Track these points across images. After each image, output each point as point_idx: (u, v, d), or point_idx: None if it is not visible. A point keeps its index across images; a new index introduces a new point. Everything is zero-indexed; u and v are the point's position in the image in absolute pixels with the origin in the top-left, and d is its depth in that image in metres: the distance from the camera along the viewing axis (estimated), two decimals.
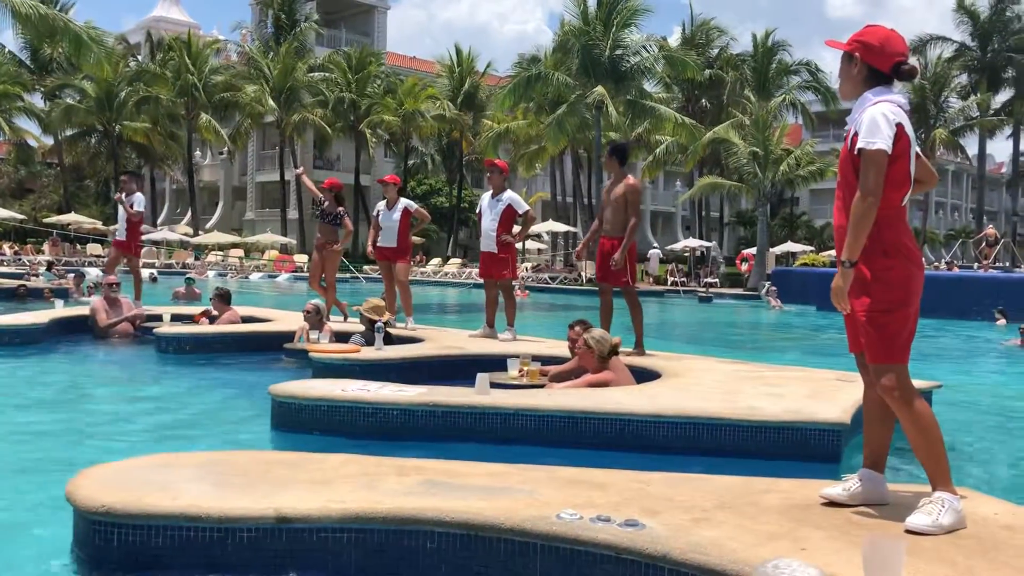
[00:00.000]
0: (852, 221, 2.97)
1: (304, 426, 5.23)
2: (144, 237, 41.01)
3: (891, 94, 3.06)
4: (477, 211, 9.01)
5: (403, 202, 9.73)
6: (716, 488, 3.35)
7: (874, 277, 3.02)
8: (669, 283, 35.23)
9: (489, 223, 8.64)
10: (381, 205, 9.82)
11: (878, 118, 2.97)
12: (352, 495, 3.09)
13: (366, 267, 35.50)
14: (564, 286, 32.65)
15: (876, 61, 3.10)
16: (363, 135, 45.20)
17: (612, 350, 6.00)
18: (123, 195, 11.35)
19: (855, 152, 3.01)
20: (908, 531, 2.86)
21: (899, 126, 2.98)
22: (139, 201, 11.37)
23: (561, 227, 40.68)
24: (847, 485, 3.19)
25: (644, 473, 3.56)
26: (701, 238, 43.86)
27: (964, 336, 15.08)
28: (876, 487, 3.18)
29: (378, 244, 9.77)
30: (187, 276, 15.36)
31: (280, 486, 3.18)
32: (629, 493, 3.22)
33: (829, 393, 5.68)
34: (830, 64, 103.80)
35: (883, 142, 2.94)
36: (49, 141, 45.83)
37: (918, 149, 3.11)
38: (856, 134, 3.03)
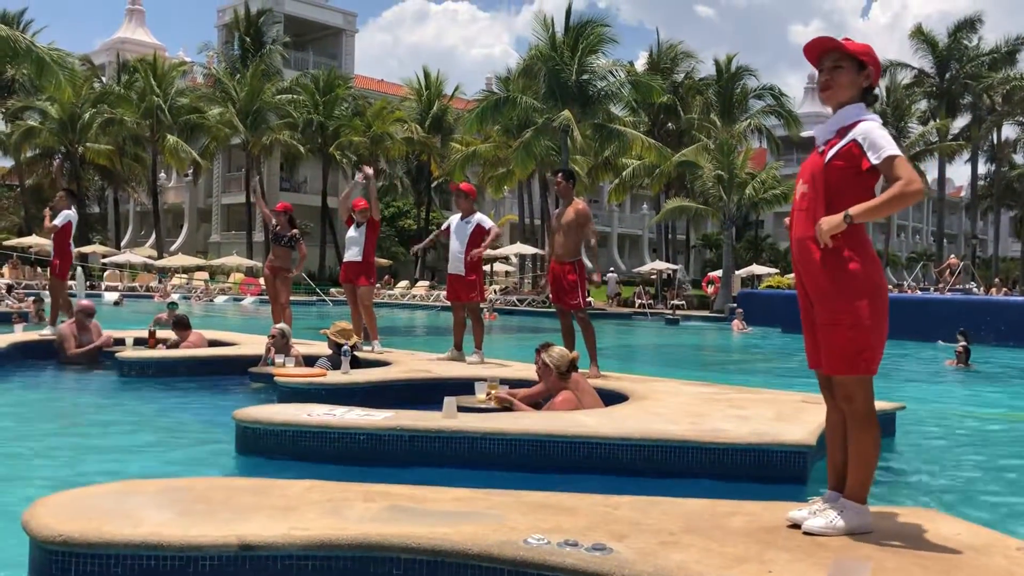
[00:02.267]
0: (888, 196, 2.99)
1: (269, 451, 5.16)
2: (107, 260, 40.41)
3: (869, 112, 3.16)
4: (443, 227, 8.96)
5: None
6: (683, 511, 3.35)
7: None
8: (636, 305, 35.40)
9: (457, 246, 8.65)
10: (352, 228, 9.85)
11: (883, 132, 3.08)
12: (317, 522, 3.05)
13: (333, 290, 35.31)
14: (532, 308, 32.68)
15: (875, 78, 3.23)
16: (331, 157, 45.09)
17: (570, 365, 6.06)
18: (51, 212, 10.60)
19: (864, 167, 3.06)
20: (806, 532, 3.06)
21: None
22: (62, 216, 10.51)
23: (529, 249, 40.77)
24: (813, 508, 3.21)
25: (611, 497, 3.55)
26: (668, 261, 44.19)
27: (917, 358, 15.28)
28: None
29: (344, 259, 9.78)
30: (169, 302, 15.16)
31: (243, 513, 3.13)
32: (597, 517, 3.22)
33: (794, 415, 5.72)
34: (795, 89, 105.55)
35: (896, 147, 3.06)
36: (8, 163, 45.20)
37: None
38: (849, 146, 3.09)
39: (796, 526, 3.16)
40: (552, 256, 7.94)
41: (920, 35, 45.59)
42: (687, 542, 2.93)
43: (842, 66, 3.17)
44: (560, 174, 7.98)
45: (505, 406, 6.07)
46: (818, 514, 3.13)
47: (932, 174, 49.03)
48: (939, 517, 3.38)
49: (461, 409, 5.51)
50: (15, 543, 3.10)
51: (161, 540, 2.80)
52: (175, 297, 31.23)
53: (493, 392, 6.23)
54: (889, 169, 3.02)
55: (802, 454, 4.84)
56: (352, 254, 9.67)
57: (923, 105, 47.17)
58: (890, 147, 3.03)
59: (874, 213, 3.02)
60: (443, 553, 2.84)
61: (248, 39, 46.46)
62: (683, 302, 36.86)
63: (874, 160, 3.03)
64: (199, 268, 42.82)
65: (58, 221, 10.49)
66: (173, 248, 49.53)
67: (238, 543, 2.83)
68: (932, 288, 31.38)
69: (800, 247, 3.18)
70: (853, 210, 3.00)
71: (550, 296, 8.03)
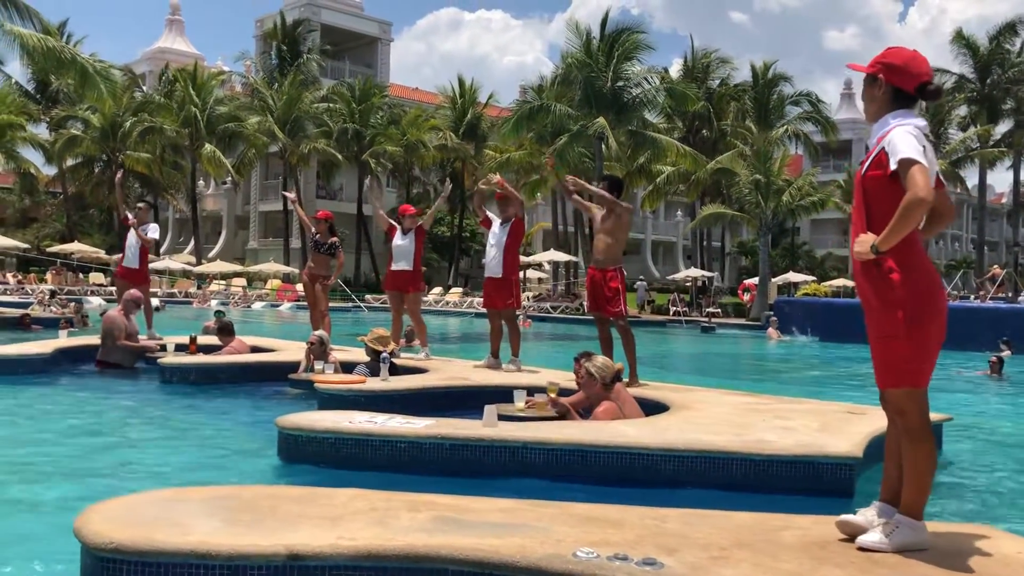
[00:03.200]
0: (896, 215, 2.93)
1: (311, 458, 5.18)
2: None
3: (911, 117, 3.09)
4: (487, 216, 8.93)
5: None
6: (733, 525, 3.30)
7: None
8: (671, 313, 35.18)
9: (494, 248, 8.64)
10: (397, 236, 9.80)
11: (904, 136, 3.00)
12: (363, 531, 3.04)
13: (368, 296, 35.50)
14: (566, 315, 32.61)
15: (900, 81, 3.14)
16: (366, 165, 45.39)
17: (615, 376, 6.01)
18: (137, 223, 11.42)
19: (888, 173, 3.02)
20: (859, 548, 2.99)
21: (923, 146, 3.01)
22: (153, 229, 11.60)
23: (562, 256, 40.72)
24: (867, 516, 3.14)
25: (659, 509, 3.51)
26: (703, 268, 43.86)
27: (953, 368, 14.93)
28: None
29: (392, 268, 9.72)
30: (216, 310, 15.35)
31: (289, 522, 3.13)
32: (645, 530, 3.18)
33: (840, 426, 5.63)
34: (831, 95, 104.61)
35: (914, 151, 2.95)
36: (51, 171, 46.05)
37: (940, 176, 3.11)
38: (879, 154, 3.06)
39: (848, 537, 3.10)
40: (591, 262, 7.86)
41: (961, 40, 44.85)
42: (738, 557, 2.88)
43: (865, 86, 3.25)
44: (605, 181, 7.85)
45: (561, 412, 6.04)
46: (872, 529, 3.06)
47: (973, 180, 48.27)
48: (999, 534, 3.29)
49: (500, 418, 5.48)
50: (67, 550, 3.13)
51: (210, 549, 2.81)
52: (214, 303, 31.59)
53: (553, 395, 6.18)
54: (903, 174, 2.96)
55: (849, 466, 4.76)
56: (403, 264, 9.63)
57: (963, 111, 46.43)
58: (905, 151, 2.95)
59: (894, 236, 2.95)
60: (490, 566, 2.81)
61: (285, 48, 46.95)
62: (718, 309, 36.56)
63: (892, 165, 2.99)
64: (237, 274, 43.30)
65: (154, 235, 11.59)
66: (211, 255, 50.10)
67: (286, 553, 2.83)
68: (973, 297, 30.88)
69: (854, 259, 3.15)
70: (878, 240, 2.98)
71: (587, 304, 7.96)
